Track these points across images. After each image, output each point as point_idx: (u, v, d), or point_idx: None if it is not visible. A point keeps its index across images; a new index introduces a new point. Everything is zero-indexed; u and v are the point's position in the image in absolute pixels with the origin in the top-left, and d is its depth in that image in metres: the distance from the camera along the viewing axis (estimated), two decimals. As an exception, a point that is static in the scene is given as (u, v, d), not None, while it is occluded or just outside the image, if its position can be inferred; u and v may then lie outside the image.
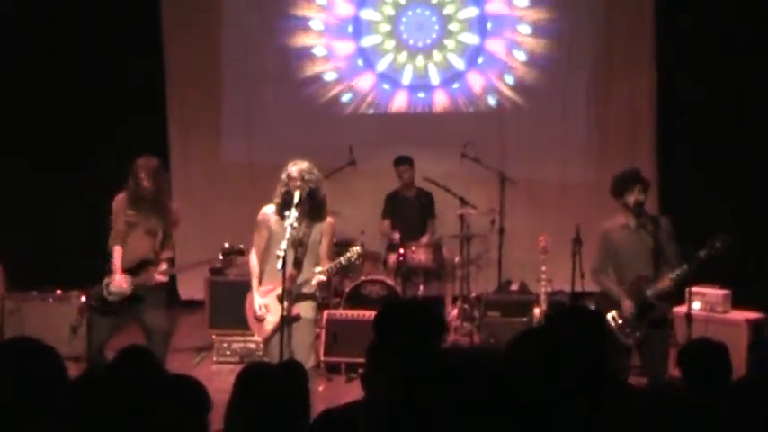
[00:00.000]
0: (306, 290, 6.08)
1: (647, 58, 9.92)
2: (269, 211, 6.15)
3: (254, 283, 6.20)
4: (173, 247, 7.04)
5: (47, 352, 3.37)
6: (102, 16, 9.95)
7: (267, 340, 6.15)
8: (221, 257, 7.10)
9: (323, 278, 6.08)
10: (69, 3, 9.94)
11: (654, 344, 6.47)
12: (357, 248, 6.28)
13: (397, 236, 9.18)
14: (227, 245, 6.98)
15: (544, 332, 3.36)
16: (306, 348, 6.10)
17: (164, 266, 6.90)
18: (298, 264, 6.03)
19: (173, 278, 10.49)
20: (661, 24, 9.78)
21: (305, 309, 6.10)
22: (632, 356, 6.59)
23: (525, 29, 10.27)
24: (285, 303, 5.94)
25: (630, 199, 6.51)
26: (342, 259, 6.16)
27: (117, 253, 6.80)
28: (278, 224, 6.04)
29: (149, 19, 10.25)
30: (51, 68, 9.93)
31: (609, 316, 6.46)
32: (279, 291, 6.00)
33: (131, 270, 6.81)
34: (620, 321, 6.46)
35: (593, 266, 6.77)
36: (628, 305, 6.44)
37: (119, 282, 6.76)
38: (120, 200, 6.87)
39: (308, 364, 6.11)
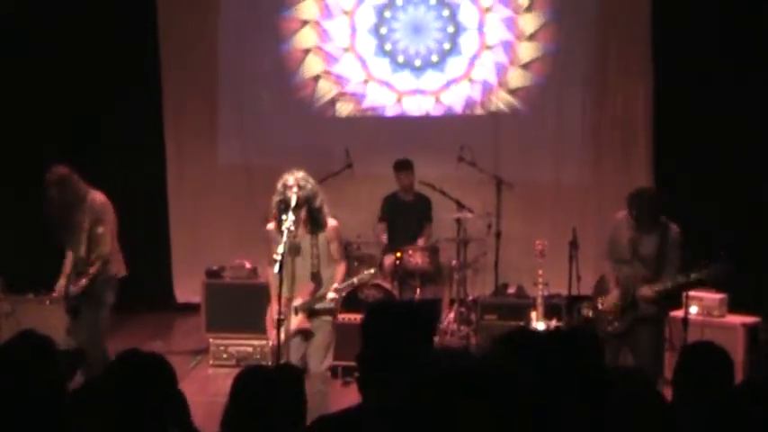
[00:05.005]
0: (323, 305, 6.14)
1: (644, 63, 9.93)
2: (271, 226, 6.20)
3: (273, 295, 6.19)
4: (107, 242, 6.87)
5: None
6: (102, 16, 9.96)
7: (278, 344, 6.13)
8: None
9: (335, 296, 6.14)
10: (69, 3, 9.95)
11: (641, 340, 6.69)
12: (372, 271, 6.42)
13: (384, 237, 9.28)
14: None
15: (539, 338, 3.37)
16: (323, 349, 6.15)
17: (82, 280, 6.81)
18: (316, 278, 6.11)
19: (168, 281, 10.54)
20: (657, 29, 9.78)
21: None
22: (621, 354, 6.76)
23: (522, 33, 10.28)
24: (281, 307, 5.94)
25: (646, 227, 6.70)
26: (355, 279, 6.30)
27: (66, 257, 6.98)
28: (278, 234, 6.05)
29: (147, 20, 10.28)
30: (48, 69, 9.93)
31: (598, 300, 6.81)
32: (296, 302, 6.08)
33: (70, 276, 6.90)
34: (602, 307, 6.75)
35: (601, 252, 7.03)
36: (614, 294, 6.69)
37: (59, 286, 6.96)
38: None
39: (324, 365, 6.18)
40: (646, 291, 6.61)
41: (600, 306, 6.78)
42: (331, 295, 6.11)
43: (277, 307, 6.05)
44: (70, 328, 6.89)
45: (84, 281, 6.78)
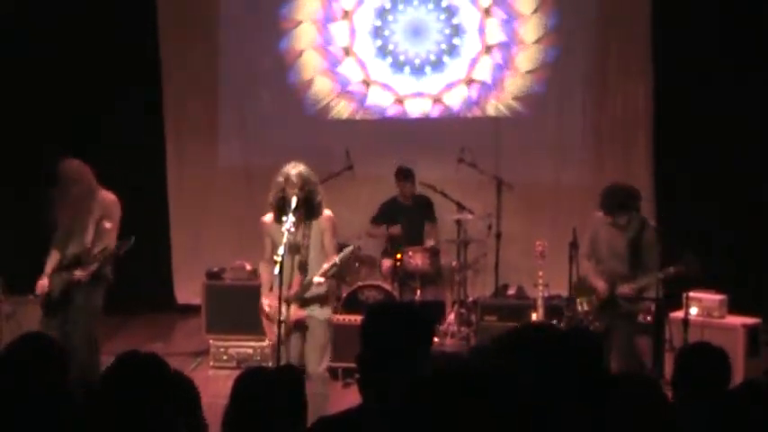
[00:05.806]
0: (312, 293, 6.08)
1: (644, 63, 9.92)
2: (267, 219, 6.15)
3: (263, 290, 6.23)
4: (112, 238, 6.82)
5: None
6: (102, 16, 9.97)
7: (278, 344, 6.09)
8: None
9: (321, 279, 6.05)
10: (69, 3, 9.95)
11: (619, 333, 6.86)
12: (351, 248, 6.29)
13: (395, 229, 9.25)
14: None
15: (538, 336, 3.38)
16: (319, 350, 6.10)
17: (89, 266, 6.73)
18: (303, 267, 6.04)
19: (169, 283, 10.54)
20: (657, 29, 9.78)
21: (317, 311, 6.11)
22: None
23: (522, 35, 10.26)
24: (284, 308, 5.92)
25: (622, 221, 6.84)
26: (336, 259, 6.11)
27: (51, 257, 6.88)
28: (276, 230, 6.02)
29: (147, 20, 10.28)
30: (48, 69, 9.93)
31: (578, 301, 7.00)
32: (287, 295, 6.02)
33: (67, 267, 6.79)
34: (586, 308, 6.92)
35: (581, 251, 7.14)
36: (602, 285, 6.85)
37: (41, 284, 6.80)
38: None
39: (322, 366, 6.12)
40: (625, 289, 6.75)
41: (580, 307, 6.92)
42: (317, 279, 6.00)
43: (267, 300, 6.09)
44: (43, 324, 6.79)
45: (92, 267, 6.70)
